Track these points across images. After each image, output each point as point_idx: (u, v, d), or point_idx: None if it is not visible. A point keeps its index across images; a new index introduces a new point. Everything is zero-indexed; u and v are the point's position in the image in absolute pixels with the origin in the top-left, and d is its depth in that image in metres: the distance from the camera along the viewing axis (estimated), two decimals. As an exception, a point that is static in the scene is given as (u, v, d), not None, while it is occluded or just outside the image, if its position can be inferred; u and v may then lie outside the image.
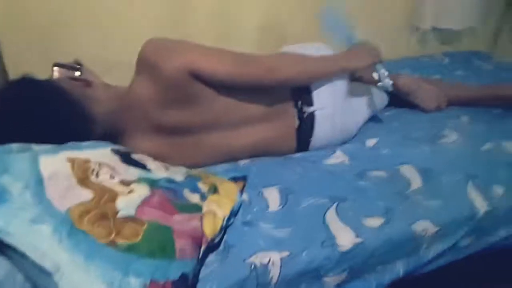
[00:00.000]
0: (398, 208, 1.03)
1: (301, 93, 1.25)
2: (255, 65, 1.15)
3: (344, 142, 1.33)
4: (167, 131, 1.16)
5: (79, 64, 1.35)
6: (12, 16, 1.45)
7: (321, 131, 1.27)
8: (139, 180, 0.86)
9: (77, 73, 1.29)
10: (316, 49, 1.33)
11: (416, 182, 1.12)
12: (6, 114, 0.98)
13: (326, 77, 1.24)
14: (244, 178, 1.11)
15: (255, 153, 1.27)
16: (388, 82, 1.30)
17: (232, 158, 1.25)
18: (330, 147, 1.30)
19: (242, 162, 1.25)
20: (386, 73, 1.30)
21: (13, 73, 1.48)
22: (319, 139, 1.28)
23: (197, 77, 1.10)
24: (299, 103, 1.25)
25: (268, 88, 1.21)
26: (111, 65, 1.51)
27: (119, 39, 1.62)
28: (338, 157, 1.24)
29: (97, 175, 0.80)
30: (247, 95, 1.20)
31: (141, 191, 0.82)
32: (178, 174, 0.99)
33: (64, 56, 1.44)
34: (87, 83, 1.11)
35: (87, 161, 0.82)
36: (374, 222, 0.99)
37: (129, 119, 1.14)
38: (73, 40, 1.56)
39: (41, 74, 1.34)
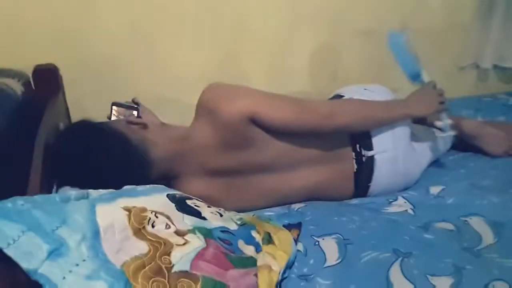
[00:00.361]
0: (470, 267, 0.93)
1: (360, 137, 1.20)
2: (313, 112, 1.12)
3: (406, 188, 1.25)
4: (221, 173, 1.13)
5: (136, 103, 1.37)
6: (72, 49, 1.50)
7: (382, 176, 1.21)
8: (194, 229, 0.83)
9: (135, 112, 1.31)
10: (374, 91, 1.28)
11: (488, 237, 1.02)
12: (64, 157, 1.00)
13: (386, 124, 1.19)
14: (298, 226, 1.06)
15: (310, 197, 1.22)
16: (450, 132, 1.23)
17: (286, 201, 1.21)
18: (391, 193, 1.23)
19: (297, 206, 1.19)
20: (449, 122, 1.23)
21: (73, 109, 1.53)
22: (379, 185, 1.22)
23: (255, 122, 1.08)
24: (358, 146, 1.20)
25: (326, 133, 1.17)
26: (166, 103, 1.53)
27: (174, 77, 1.64)
28: (401, 205, 1.17)
29: (152, 225, 0.78)
30: (304, 138, 1.16)
31: (196, 242, 0.79)
32: (232, 221, 0.95)
33: (121, 92, 1.47)
34: (144, 126, 1.12)
35: (143, 210, 0.80)
36: (443, 282, 0.90)
37: (185, 163, 1.12)
38: (131, 76, 1.60)
39: (99, 110, 1.37)
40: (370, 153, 1.19)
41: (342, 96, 1.30)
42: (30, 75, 1.34)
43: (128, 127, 1.09)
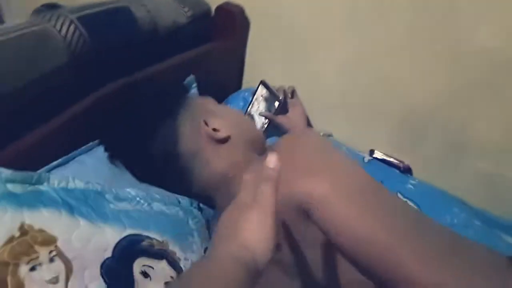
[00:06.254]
0: None
1: None
2: (417, 255, 0.55)
3: None
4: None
5: (291, 94, 1.14)
6: (262, 27, 1.26)
7: None
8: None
9: (276, 103, 1.10)
10: None
11: None
12: (112, 115, 0.84)
13: None
14: None
15: None
16: None
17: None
18: None
19: None
20: None
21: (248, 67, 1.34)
22: None
23: (309, 216, 0.64)
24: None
25: None
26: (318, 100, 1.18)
27: (356, 76, 1.19)
28: None
29: (33, 268, 0.56)
30: None
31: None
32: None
33: (301, 74, 1.19)
34: (221, 140, 0.81)
35: (47, 242, 0.58)
36: None
37: (224, 196, 0.80)
38: (314, 61, 1.25)
39: (272, 77, 1.17)
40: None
41: None
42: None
43: (198, 131, 0.81)
